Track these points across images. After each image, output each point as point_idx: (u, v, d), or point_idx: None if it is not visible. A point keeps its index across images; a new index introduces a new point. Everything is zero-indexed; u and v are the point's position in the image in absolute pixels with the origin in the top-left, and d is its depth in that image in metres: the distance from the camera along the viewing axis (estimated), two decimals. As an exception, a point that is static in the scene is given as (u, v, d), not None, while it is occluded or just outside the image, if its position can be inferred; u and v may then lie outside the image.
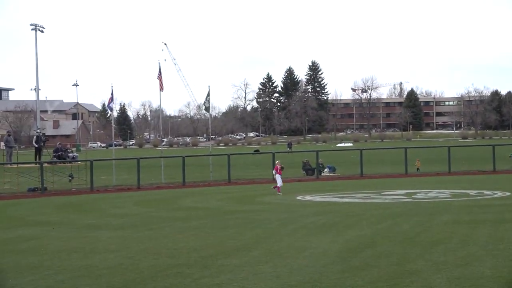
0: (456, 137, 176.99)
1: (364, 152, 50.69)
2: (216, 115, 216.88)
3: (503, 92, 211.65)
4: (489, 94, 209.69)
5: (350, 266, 13.43)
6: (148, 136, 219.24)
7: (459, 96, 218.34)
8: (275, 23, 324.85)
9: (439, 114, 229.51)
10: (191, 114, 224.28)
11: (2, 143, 47.80)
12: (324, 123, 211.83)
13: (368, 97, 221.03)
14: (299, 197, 31.75)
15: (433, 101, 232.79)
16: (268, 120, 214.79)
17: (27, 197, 37.39)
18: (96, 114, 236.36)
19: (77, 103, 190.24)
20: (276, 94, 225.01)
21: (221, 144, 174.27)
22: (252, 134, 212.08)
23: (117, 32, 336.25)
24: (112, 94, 47.94)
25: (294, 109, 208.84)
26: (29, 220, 25.33)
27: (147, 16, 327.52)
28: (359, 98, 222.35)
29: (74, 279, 13.13)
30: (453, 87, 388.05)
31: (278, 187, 34.32)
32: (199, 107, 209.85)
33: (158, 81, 49.40)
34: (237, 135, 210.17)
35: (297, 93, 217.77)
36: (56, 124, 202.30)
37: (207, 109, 56.02)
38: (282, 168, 35.37)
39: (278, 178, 34.68)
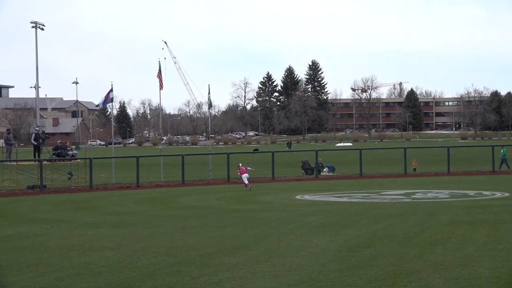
0: (455, 137, 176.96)
1: (363, 152, 50.72)
2: (216, 114, 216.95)
3: (503, 92, 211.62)
4: (488, 95, 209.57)
5: (348, 266, 13.44)
6: (147, 135, 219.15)
7: (459, 96, 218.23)
8: (276, 22, 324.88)
9: (438, 114, 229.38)
10: (191, 112, 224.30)
11: (2, 141, 47.76)
12: (323, 123, 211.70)
13: (368, 97, 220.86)
14: (298, 197, 31.78)
15: (432, 102, 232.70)
16: (267, 119, 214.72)
17: (26, 195, 37.42)
18: (96, 112, 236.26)
19: (77, 101, 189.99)
20: (276, 93, 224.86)
21: (220, 143, 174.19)
22: (251, 133, 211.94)
23: (118, 30, 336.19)
24: (110, 92, 47.71)
25: (293, 108, 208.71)
26: (28, 217, 25.35)
27: (148, 14, 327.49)
28: (359, 98, 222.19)
29: (72, 276, 13.14)
30: (453, 87, 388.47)
31: (247, 184, 37.04)
32: (199, 106, 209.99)
33: (158, 79, 49.47)
34: (236, 134, 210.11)
35: (297, 92, 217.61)
36: (55, 122, 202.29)
37: (210, 105, 56.28)
38: (246, 169, 38.27)
39: (244, 178, 37.31)
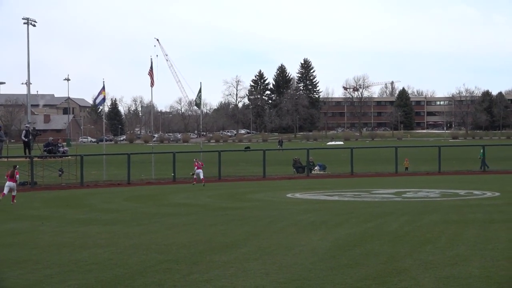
0: (446, 137, 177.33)
1: (354, 150, 50.78)
2: (207, 111, 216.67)
3: (494, 92, 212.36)
4: (480, 95, 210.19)
5: (339, 264, 13.46)
6: (139, 132, 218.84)
7: (450, 96, 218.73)
8: (268, 20, 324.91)
9: (430, 113, 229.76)
10: (183, 110, 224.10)
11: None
12: (315, 121, 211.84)
13: (360, 95, 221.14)
14: (289, 195, 31.79)
15: (424, 101, 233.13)
16: (259, 117, 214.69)
17: (17, 191, 37.25)
18: (87, 109, 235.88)
19: (68, 98, 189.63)
20: (268, 92, 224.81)
21: (212, 141, 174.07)
22: (243, 131, 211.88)
23: (110, 27, 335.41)
24: (102, 90, 47.63)
25: (285, 106, 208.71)
26: (19, 214, 25.27)
27: (140, 11, 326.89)
28: (351, 96, 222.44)
29: (63, 273, 13.11)
30: (445, 87, 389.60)
31: (196, 178, 39.55)
32: (190, 103, 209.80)
33: (149, 76, 49.39)
34: (228, 132, 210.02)
35: (289, 90, 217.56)
36: (47, 119, 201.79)
37: (198, 105, 56.11)
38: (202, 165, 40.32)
39: (200, 173, 39.40)
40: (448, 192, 32.38)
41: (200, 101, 54.58)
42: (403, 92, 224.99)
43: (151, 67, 49.50)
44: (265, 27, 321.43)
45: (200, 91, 52.16)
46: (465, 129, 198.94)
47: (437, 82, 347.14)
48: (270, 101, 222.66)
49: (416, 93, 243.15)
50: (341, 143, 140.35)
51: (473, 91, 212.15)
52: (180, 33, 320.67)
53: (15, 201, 29.04)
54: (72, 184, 41.04)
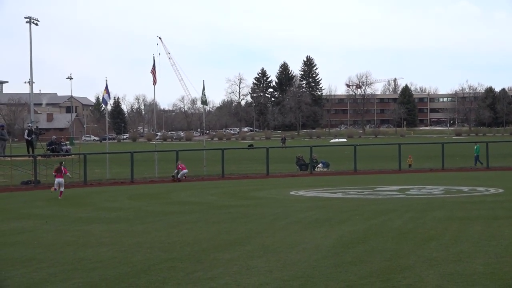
0: (450, 133, 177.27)
1: (358, 148, 50.77)
2: (210, 109, 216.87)
3: (497, 89, 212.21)
4: (483, 91, 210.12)
5: (342, 261, 13.44)
6: (142, 130, 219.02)
7: (453, 93, 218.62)
8: (271, 18, 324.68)
9: (433, 110, 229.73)
10: (185, 108, 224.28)
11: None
12: (318, 119, 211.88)
13: (363, 93, 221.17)
14: (292, 192, 31.77)
15: (427, 98, 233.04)
16: (262, 115, 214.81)
17: (20, 190, 37.34)
18: (90, 108, 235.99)
19: (71, 97, 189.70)
20: (271, 89, 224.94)
21: (215, 139, 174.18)
22: (246, 129, 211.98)
23: (112, 26, 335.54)
24: (106, 88, 47.73)
25: (288, 104, 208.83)
26: (22, 213, 25.28)
27: (142, 10, 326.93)
28: (354, 94, 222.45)
29: (67, 272, 13.11)
30: (448, 84, 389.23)
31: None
32: (193, 101, 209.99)
33: (151, 75, 49.40)
34: (231, 129, 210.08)
35: (292, 88, 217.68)
36: (50, 117, 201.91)
37: (204, 102, 56.11)
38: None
39: (183, 174, 42.21)
40: (452, 189, 32.33)
41: (206, 99, 54.64)
42: (406, 89, 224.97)
43: (154, 65, 49.52)
44: (268, 25, 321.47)
45: (203, 89, 52.19)
46: (468, 126, 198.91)
47: (440, 79, 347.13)
48: (273, 99, 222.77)
49: (419, 90, 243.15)
50: (344, 140, 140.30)
51: (476, 88, 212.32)
52: (182, 31, 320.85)
53: (61, 196, 30.58)
54: (76, 183, 41.05)
